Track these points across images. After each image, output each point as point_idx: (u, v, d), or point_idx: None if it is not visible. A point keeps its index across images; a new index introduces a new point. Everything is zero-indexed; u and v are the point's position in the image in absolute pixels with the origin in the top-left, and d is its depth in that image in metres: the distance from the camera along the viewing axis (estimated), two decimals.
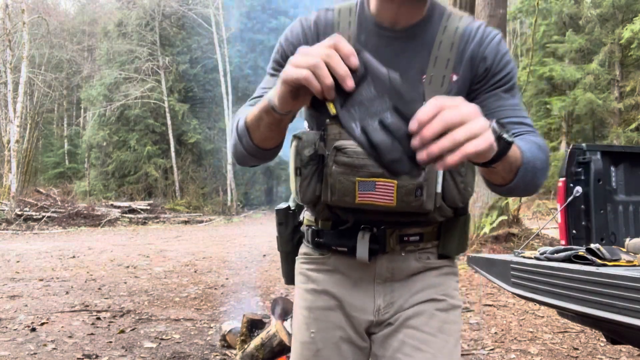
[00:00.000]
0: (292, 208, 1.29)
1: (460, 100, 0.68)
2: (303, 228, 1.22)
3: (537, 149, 0.93)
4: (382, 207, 1.00)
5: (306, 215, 1.20)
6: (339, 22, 1.06)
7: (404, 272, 1.10)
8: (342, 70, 0.68)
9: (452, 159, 0.65)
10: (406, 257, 1.09)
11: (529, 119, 1.03)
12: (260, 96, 1.07)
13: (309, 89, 0.70)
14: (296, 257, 1.23)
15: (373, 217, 1.06)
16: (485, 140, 0.67)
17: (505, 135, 0.75)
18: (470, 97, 1.03)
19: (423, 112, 0.66)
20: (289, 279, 1.29)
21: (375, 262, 1.09)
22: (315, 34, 1.06)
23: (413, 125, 0.66)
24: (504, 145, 0.76)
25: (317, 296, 1.14)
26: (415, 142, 0.66)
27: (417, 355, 1.04)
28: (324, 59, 0.68)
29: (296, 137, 1.08)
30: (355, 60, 0.69)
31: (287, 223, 1.28)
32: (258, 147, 0.96)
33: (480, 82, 1.02)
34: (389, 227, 1.06)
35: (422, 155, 0.66)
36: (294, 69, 0.70)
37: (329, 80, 0.68)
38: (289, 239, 1.28)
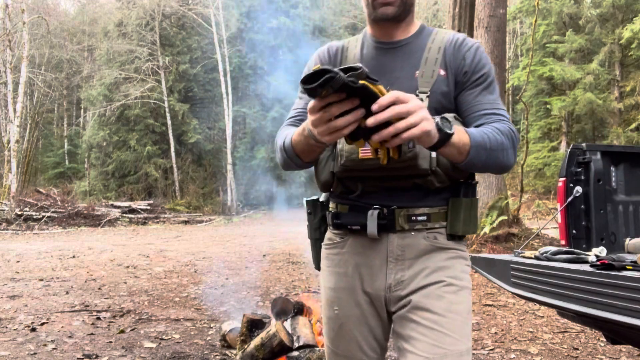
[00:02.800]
0: (321, 200, 1.46)
1: (412, 97, 0.95)
2: (327, 216, 1.38)
3: (495, 133, 1.18)
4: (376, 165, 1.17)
5: (330, 205, 1.39)
6: (347, 47, 1.37)
7: (414, 251, 1.25)
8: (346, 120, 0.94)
9: (393, 141, 0.94)
10: (415, 236, 1.25)
11: (504, 111, 1.27)
12: (295, 117, 1.38)
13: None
14: (322, 244, 1.40)
15: (378, 184, 1.25)
16: (420, 129, 0.94)
17: (444, 128, 1.03)
18: (456, 91, 1.28)
19: (382, 99, 0.91)
20: (318, 263, 1.44)
21: (388, 241, 1.25)
22: (327, 59, 1.38)
23: (374, 106, 0.90)
24: (443, 136, 1.03)
25: (339, 277, 1.32)
26: (370, 121, 0.92)
27: (430, 333, 1.18)
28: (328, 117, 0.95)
29: None
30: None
31: (315, 212, 1.44)
32: (306, 163, 1.26)
33: (463, 78, 1.28)
34: (398, 207, 1.23)
35: (374, 137, 0.94)
36: (318, 136, 0.99)
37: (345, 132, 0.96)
38: (317, 227, 1.44)
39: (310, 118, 0.97)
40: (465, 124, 1.26)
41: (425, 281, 1.22)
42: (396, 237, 1.24)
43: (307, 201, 1.45)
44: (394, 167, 1.17)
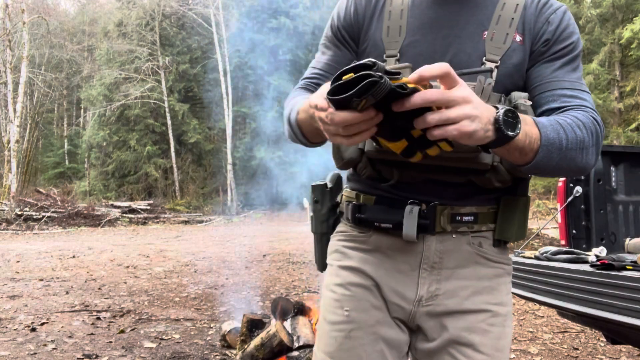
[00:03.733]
0: (330, 185, 1.20)
1: (461, 82, 0.73)
2: (342, 206, 1.13)
3: (575, 126, 0.88)
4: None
5: (345, 192, 1.12)
6: None
7: (454, 258, 1.00)
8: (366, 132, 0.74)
9: (436, 132, 0.71)
10: (458, 240, 1.00)
11: (587, 94, 0.98)
12: (311, 78, 1.11)
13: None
14: (331, 236, 1.15)
15: (420, 175, 0.98)
16: (458, 129, 0.71)
17: (505, 129, 0.76)
18: (529, 63, 1.00)
19: (426, 69, 0.71)
20: (323, 264, 1.17)
21: (423, 244, 0.99)
22: (364, 4, 1.06)
23: (413, 77, 0.70)
24: (500, 136, 0.76)
25: (353, 273, 1.04)
26: (397, 106, 0.70)
27: None
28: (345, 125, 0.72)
29: None
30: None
31: (324, 201, 1.17)
32: (314, 144, 1.02)
33: (542, 47, 0.99)
34: (440, 204, 0.98)
35: (418, 123, 0.72)
36: (327, 132, 0.77)
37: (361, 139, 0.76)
38: (325, 219, 1.17)
39: (325, 127, 0.76)
40: (534, 105, 0.98)
41: (467, 304, 1.00)
42: (434, 240, 0.99)
43: (313, 186, 1.18)
44: (447, 157, 0.92)
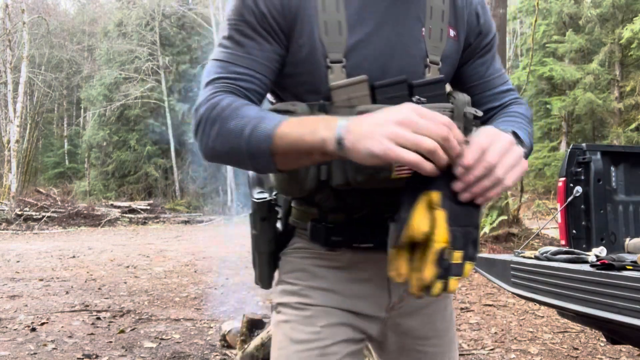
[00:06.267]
0: (276, 199, 1.04)
1: (497, 133, 0.72)
2: (294, 220, 0.98)
3: (527, 124, 0.94)
4: None
5: (299, 207, 0.97)
6: None
7: None
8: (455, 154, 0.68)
9: (493, 193, 0.71)
10: None
11: (509, 80, 1.01)
12: (237, 79, 0.82)
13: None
14: (284, 252, 1.00)
15: (388, 200, 0.83)
16: (521, 169, 0.72)
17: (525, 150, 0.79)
18: (462, 59, 0.96)
19: (469, 158, 0.68)
20: (269, 282, 1.06)
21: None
22: None
23: (459, 170, 0.69)
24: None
25: (326, 294, 0.94)
26: (458, 186, 0.70)
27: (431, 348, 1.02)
28: (440, 143, 0.65)
29: (287, 111, 0.80)
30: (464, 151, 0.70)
31: (271, 218, 1.01)
32: (278, 170, 0.79)
33: (475, 43, 0.95)
34: None
35: (465, 196, 0.70)
36: (398, 149, 0.63)
37: (437, 169, 0.67)
38: (272, 237, 1.00)
39: (393, 128, 0.64)
40: (473, 103, 0.93)
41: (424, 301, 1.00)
42: None
43: (259, 204, 0.99)
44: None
